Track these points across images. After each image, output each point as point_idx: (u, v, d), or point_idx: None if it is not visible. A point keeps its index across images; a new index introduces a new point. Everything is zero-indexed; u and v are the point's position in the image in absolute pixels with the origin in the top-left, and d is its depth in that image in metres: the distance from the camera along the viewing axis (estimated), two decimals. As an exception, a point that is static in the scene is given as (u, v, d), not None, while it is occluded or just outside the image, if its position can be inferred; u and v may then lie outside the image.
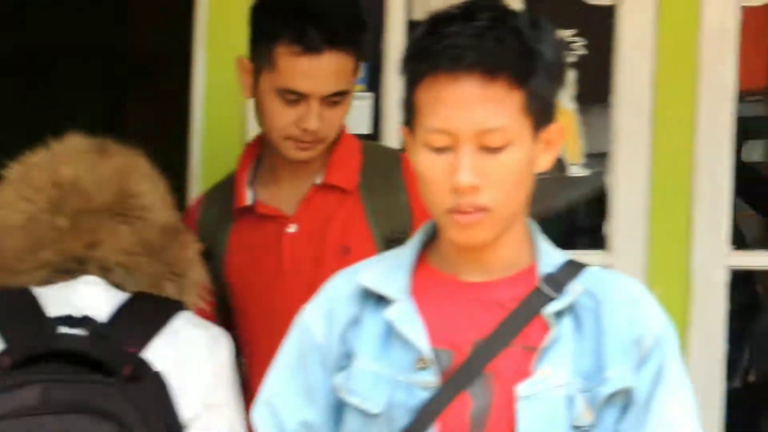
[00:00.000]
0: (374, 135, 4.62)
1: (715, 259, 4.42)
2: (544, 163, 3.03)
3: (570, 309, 3.02)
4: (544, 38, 2.99)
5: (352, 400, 3.05)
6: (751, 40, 4.67)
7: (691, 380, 3.14)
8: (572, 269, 3.07)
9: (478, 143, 2.92)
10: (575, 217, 5.51)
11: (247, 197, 4.13)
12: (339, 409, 3.09)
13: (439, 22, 3.05)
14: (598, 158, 4.66)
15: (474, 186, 2.89)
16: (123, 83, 8.39)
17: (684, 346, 3.44)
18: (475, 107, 2.91)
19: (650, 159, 4.48)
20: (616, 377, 2.99)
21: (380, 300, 3.05)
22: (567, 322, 3.02)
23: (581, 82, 4.84)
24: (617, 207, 4.53)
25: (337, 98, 3.93)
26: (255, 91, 4.00)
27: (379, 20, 4.52)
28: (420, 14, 4.58)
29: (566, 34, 4.75)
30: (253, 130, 4.23)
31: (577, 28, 4.78)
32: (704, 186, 4.43)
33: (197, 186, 4.47)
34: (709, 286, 4.41)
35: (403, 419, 2.99)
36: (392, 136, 4.43)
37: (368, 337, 3.06)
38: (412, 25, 4.53)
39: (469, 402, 2.99)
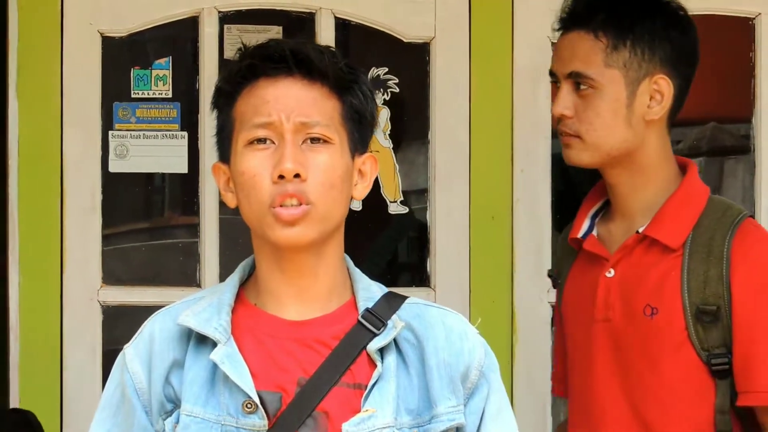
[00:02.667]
0: (191, 174, 4.56)
1: (538, 294, 4.41)
2: (359, 191, 3.04)
3: (393, 344, 3.01)
4: (362, 73, 3.03)
5: None
6: None
7: (517, 413, 3.10)
8: (392, 302, 3.07)
9: (300, 137, 2.93)
10: (396, 254, 5.56)
11: (583, 229, 3.99)
12: None
13: (254, 47, 3.05)
14: (417, 195, 4.66)
15: (299, 174, 2.90)
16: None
17: (508, 380, 3.42)
18: (297, 101, 2.94)
19: (469, 195, 4.46)
20: (446, 414, 2.99)
21: (202, 341, 3.00)
22: (391, 358, 3.01)
23: (397, 119, 4.84)
24: (438, 243, 4.50)
25: (582, 80, 3.78)
26: None
27: (195, 61, 4.52)
28: (231, 54, 4.53)
29: (381, 71, 4.72)
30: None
31: (392, 66, 4.73)
32: (524, 221, 4.43)
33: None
34: (532, 321, 4.39)
35: None
36: (208, 175, 4.31)
37: (193, 381, 3.02)
38: (225, 65, 4.51)
39: None
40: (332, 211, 3.00)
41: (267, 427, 2.94)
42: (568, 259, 4.00)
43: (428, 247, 4.55)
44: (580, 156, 3.75)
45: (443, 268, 4.49)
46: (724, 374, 3.79)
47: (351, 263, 3.12)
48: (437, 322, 3.05)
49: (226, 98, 2.99)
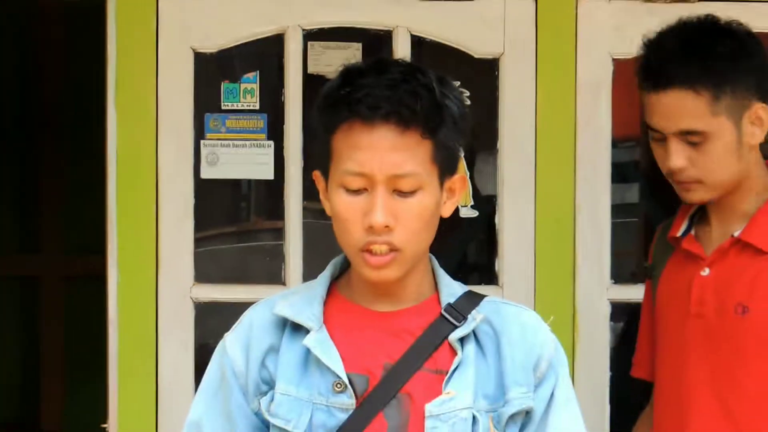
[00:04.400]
0: (276, 180, 4.59)
1: (598, 293, 4.45)
2: (448, 209, 3.11)
3: (472, 335, 3.10)
4: (450, 94, 3.07)
5: (276, 422, 3.08)
6: (624, 90, 4.68)
7: (580, 401, 3.24)
8: (472, 299, 3.15)
9: (392, 187, 2.99)
10: (467, 254, 5.62)
11: (682, 228, 4.03)
12: (262, 431, 3.15)
13: (352, 74, 3.11)
14: (486, 200, 4.68)
15: (388, 226, 2.96)
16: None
17: (570, 370, 3.54)
18: (389, 153, 2.98)
19: (534, 200, 4.48)
20: (517, 399, 3.09)
21: (296, 329, 3.09)
22: (470, 347, 3.09)
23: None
24: (506, 245, 4.52)
25: (693, 136, 3.74)
26: None
27: (280, 76, 4.53)
28: (315, 69, 4.61)
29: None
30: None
31: (464, 80, 4.69)
32: (585, 224, 4.45)
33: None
34: (592, 316, 4.45)
35: None
36: (293, 181, 4.41)
37: (287, 364, 3.10)
38: (309, 79, 4.59)
39: (384, 422, 3.06)
40: (419, 250, 3.10)
41: (355, 406, 3.02)
42: (664, 254, 4.03)
43: (496, 248, 4.55)
44: (702, 197, 3.82)
45: (510, 268, 4.49)
46: None
47: (436, 263, 3.20)
48: (514, 318, 3.15)
49: (325, 125, 3.05)
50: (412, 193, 3.02)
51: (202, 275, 4.49)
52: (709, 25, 3.90)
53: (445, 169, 3.08)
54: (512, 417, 3.10)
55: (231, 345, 3.16)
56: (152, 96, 4.44)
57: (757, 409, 3.84)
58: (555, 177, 4.46)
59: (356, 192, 2.99)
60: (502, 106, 4.44)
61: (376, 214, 2.99)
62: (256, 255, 6.56)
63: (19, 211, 8.12)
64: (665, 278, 3.98)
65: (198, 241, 4.53)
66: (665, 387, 3.96)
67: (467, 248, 5.74)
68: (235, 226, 7.28)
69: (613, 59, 4.42)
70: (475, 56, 4.48)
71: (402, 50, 4.43)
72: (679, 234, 3.90)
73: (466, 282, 3.40)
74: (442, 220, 3.53)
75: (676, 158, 3.72)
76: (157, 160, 4.40)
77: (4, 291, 8.15)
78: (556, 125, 4.46)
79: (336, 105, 3.03)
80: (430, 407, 3.05)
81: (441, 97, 3.05)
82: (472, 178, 4.64)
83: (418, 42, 4.53)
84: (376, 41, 4.60)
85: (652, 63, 3.81)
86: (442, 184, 3.08)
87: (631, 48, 4.52)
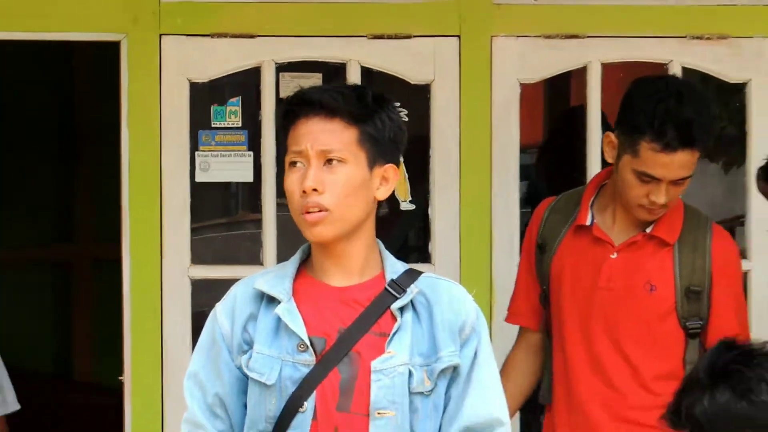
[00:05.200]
0: (255, 182, 4.57)
1: (510, 266, 4.34)
2: (382, 192, 3.06)
3: (410, 305, 3.04)
4: (384, 105, 3.06)
5: (253, 375, 3.05)
6: (529, 107, 4.67)
7: (496, 358, 3.16)
8: (411, 275, 3.10)
9: (322, 161, 2.98)
10: (407, 239, 5.56)
11: (588, 218, 3.93)
12: (243, 384, 3.09)
13: (295, 95, 3.13)
14: (422, 196, 4.60)
15: (316, 189, 2.94)
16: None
17: (490, 334, 3.48)
18: (319, 134, 3.00)
19: (459, 196, 4.42)
20: (447, 356, 3.04)
21: (270, 300, 3.05)
22: (408, 315, 3.04)
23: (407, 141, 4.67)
24: (437, 231, 4.45)
25: (681, 181, 3.72)
26: (616, 162, 3.77)
27: (258, 100, 4.45)
28: (284, 94, 4.49)
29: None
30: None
31: (403, 101, 4.57)
32: (499, 213, 4.38)
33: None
34: (507, 286, 4.29)
35: (290, 389, 3.01)
36: (268, 183, 4.35)
37: (263, 329, 3.06)
38: (280, 102, 4.46)
39: (338, 375, 3.03)
40: (348, 213, 3.05)
41: (315, 362, 2.99)
42: (559, 233, 3.95)
43: (429, 233, 4.47)
44: (659, 215, 3.73)
45: (440, 249, 4.42)
46: (694, 336, 3.78)
47: (382, 246, 3.13)
48: (444, 290, 3.10)
49: (283, 131, 3.07)
50: (336, 166, 2.99)
51: (198, 258, 4.43)
52: (692, 92, 3.80)
53: (375, 155, 3.05)
54: (442, 371, 3.06)
55: (220, 313, 3.12)
56: (156, 116, 4.37)
57: (650, 356, 3.78)
58: (475, 177, 4.39)
59: (295, 167, 2.99)
60: (433, 121, 4.39)
61: (307, 179, 2.97)
62: (240, 241, 6.52)
63: (55, 207, 8.06)
64: (565, 254, 3.91)
65: (194, 231, 4.46)
66: (572, 342, 3.86)
67: (407, 234, 5.64)
68: (224, 219, 7.19)
69: (520, 84, 4.34)
70: (412, 82, 4.44)
71: (354, 78, 4.37)
72: (588, 223, 3.83)
73: (407, 261, 3.36)
74: (389, 213, 3.49)
75: (665, 197, 3.64)
76: (160, 167, 4.33)
77: (42, 275, 8.10)
78: (475, 136, 4.39)
79: (286, 111, 3.05)
80: (374, 363, 3.02)
81: (371, 100, 3.04)
82: (410, 179, 4.55)
83: (367, 72, 4.47)
84: (334, 71, 4.55)
85: (666, 130, 3.62)
86: (372, 167, 3.04)
87: (534, 74, 4.51)
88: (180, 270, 4.31)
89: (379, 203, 3.12)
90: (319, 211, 2.97)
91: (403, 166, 4.47)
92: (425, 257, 4.49)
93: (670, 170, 3.62)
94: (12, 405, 4.49)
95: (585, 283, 3.78)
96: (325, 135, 3.01)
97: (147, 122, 4.31)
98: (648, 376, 3.77)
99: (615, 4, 4.40)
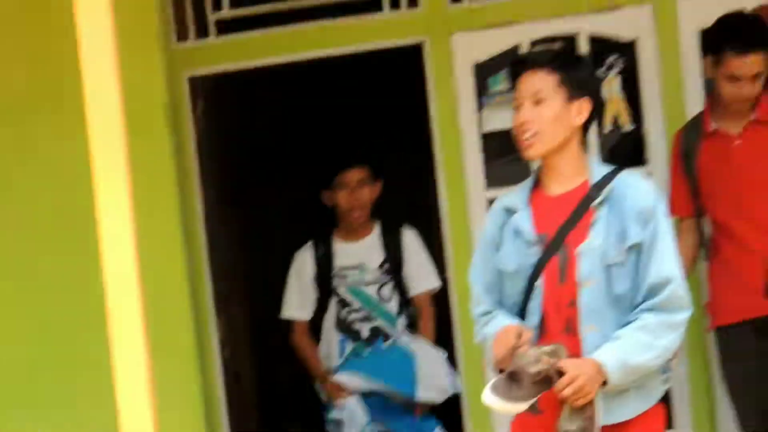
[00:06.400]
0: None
1: None
2: (578, 120, 3.40)
3: (606, 200, 3.38)
4: (580, 62, 3.59)
5: (500, 266, 3.48)
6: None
7: None
8: (610, 176, 3.42)
9: (532, 101, 3.38)
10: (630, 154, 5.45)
11: (712, 126, 4.63)
12: (499, 274, 3.50)
13: (520, 54, 3.84)
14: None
15: (525, 122, 3.37)
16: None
17: None
18: (530, 82, 3.39)
19: (662, 118, 5.13)
20: (632, 236, 3.36)
21: (512, 211, 3.49)
22: (604, 208, 3.37)
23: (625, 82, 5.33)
24: (650, 143, 5.14)
25: (758, 75, 4.44)
26: (714, 75, 4.51)
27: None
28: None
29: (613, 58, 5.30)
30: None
31: (619, 55, 5.32)
32: None
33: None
34: None
35: (527, 272, 3.41)
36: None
37: (507, 232, 3.47)
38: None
39: (556, 260, 3.39)
40: (553, 135, 3.36)
41: (540, 253, 3.38)
42: (697, 141, 4.68)
43: (644, 147, 5.13)
44: (744, 106, 4.49)
45: (653, 156, 5.14)
46: None
47: (589, 157, 3.46)
48: (632, 185, 3.41)
49: (514, 88, 3.45)
50: (543, 101, 3.36)
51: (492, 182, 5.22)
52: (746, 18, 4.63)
53: (570, 94, 3.36)
54: (631, 247, 3.36)
55: (488, 222, 3.54)
56: (455, 92, 5.21)
57: None
58: (672, 107, 5.09)
59: (517, 110, 3.36)
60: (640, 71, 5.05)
61: (520, 116, 3.36)
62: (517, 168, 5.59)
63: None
64: (705, 154, 4.61)
65: (486, 163, 5.18)
66: (723, 220, 4.57)
67: (629, 150, 5.56)
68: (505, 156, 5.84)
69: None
70: (621, 42, 5.12)
71: (582, 43, 5.11)
72: (712, 129, 4.63)
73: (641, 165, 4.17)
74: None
75: (755, 89, 4.43)
76: (460, 124, 5.18)
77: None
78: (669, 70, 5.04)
79: (512, 72, 3.54)
80: (578, 248, 3.37)
81: (567, 55, 3.60)
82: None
83: (591, 38, 5.16)
84: (570, 40, 5.20)
85: (740, 36, 4.41)
86: (569, 102, 3.36)
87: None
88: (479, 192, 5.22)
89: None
90: (531, 136, 3.35)
91: (620, 100, 5.28)
92: (642, 162, 5.19)
93: (747, 69, 4.42)
94: None
95: (724, 170, 4.55)
96: (534, 82, 3.38)
97: (449, 98, 5.25)
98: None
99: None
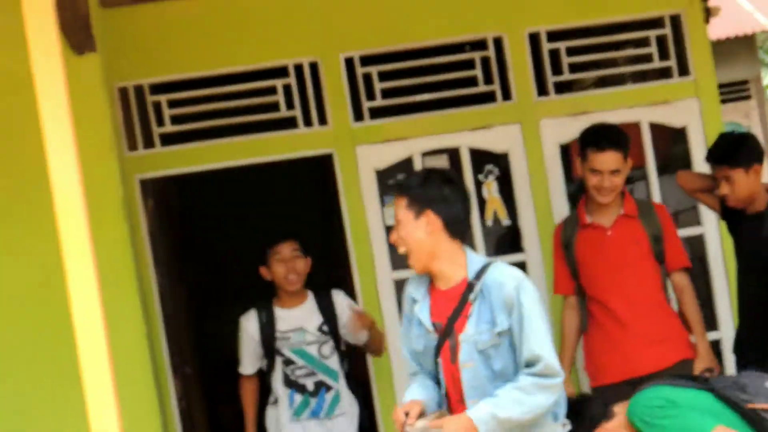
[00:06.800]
0: None
1: None
2: (429, 230, 3.68)
3: (477, 295, 3.66)
4: (419, 177, 3.79)
5: (412, 346, 3.84)
6: None
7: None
8: (482, 270, 3.68)
9: (395, 225, 3.66)
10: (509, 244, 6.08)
11: (587, 219, 5.11)
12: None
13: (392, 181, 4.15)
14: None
15: (395, 243, 3.68)
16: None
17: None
18: (394, 209, 3.67)
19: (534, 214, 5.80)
20: (500, 323, 3.66)
21: (416, 301, 3.81)
22: (477, 302, 3.66)
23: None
24: (525, 235, 5.76)
25: (617, 171, 4.91)
26: (583, 172, 5.02)
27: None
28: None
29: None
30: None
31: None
32: None
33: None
34: None
35: (431, 352, 3.72)
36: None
37: (414, 319, 3.78)
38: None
39: (448, 344, 3.69)
40: (418, 249, 3.63)
41: (437, 338, 3.69)
42: (573, 234, 5.18)
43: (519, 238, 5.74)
44: (608, 196, 4.94)
45: (528, 245, 5.76)
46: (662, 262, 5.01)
47: (467, 254, 3.69)
48: (496, 277, 3.66)
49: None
50: (398, 225, 3.65)
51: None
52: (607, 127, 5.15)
53: (417, 211, 3.64)
54: (500, 333, 3.66)
55: (405, 304, 3.81)
56: (360, 195, 5.76)
57: (646, 288, 5.02)
58: None
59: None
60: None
61: (390, 237, 3.71)
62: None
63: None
64: (580, 246, 5.13)
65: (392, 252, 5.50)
66: (601, 311, 5.04)
67: (507, 242, 6.20)
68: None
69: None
70: (495, 153, 5.76)
71: (464, 154, 5.78)
72: (588, 222, 5.17)
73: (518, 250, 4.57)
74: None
75: (614, 182, 4.94)
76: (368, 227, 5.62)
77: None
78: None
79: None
80: (460, 336, 3.66)
81: (410, 180, 3.68)
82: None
83: (472, 150, 5.74)
84: (455, 152, 5.81)
85: (598, 137, 4.97)
86: (417, 218, 3.65)
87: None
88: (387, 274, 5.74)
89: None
90: (406, 254, 3.63)
91: (498, 200, 5.82)
92: (520, 249, 5.87)
93: (606, 165, 4.94)
94: None
95: (599, 261, 5.04)
96: (395, 208, 3.67)
97: (357, 197, 5.84)
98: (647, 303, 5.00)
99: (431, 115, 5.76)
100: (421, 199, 3.64)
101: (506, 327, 3.54)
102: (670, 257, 5.18)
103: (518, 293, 3.54)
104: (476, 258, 3.67)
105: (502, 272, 3.60)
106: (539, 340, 3.52)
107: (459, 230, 3.73)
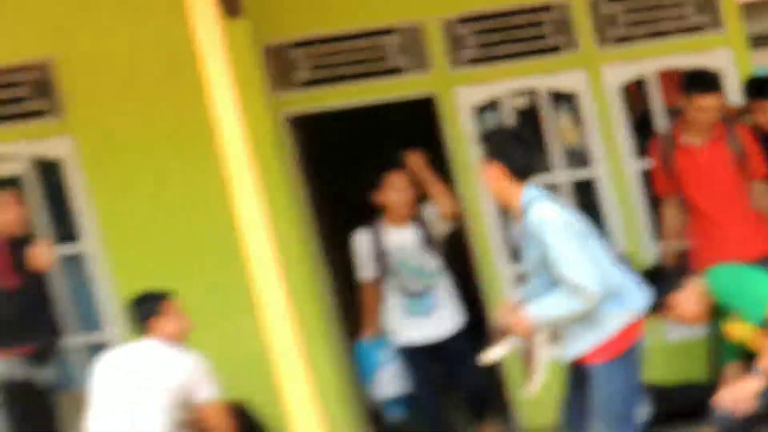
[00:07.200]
0: None
1: None
2: (498, 179, 4.30)
3: (525, 226, 4.45)
4: (489, 131, 4.53)
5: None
6: None
7: None
8: (525, 209, 4.41)
9: None
10: None
11: (683, 140, 5.90)
12: None
13: None
14: None
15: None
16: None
17: None
18: None
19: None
20: (533, 248, 4.45)
21: None
22: (528, 232, 4.43)
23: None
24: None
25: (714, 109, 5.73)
26: (685, 107, 5.88)
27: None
28: None
29: None
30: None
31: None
32: None
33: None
34: None
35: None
36: None
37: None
38: None
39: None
40: (494, 195, 4.32)
41: None
42: (670, 147, 5.98)
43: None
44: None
45: None
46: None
47: (525, 191, 4.27)
48: (528, 215, 4.38)
49: None
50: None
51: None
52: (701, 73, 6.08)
53: (487, 163, 4.24)
54: (539, 256, 4.44)
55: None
56: (463, 129, 6.79)
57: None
58: None
59: None
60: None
61: None
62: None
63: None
64: (678, 158, 5.90)
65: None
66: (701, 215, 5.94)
67: None
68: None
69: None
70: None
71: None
72: (683, 143, 5.95)
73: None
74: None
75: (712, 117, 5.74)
76: None
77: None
78: None
79: None
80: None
81: (484, 134, 4.29)
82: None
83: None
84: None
85: (702, 82, 5.81)
86: (488, 168, 4.23)
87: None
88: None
89: None
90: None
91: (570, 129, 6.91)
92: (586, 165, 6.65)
93: (709, 103, 5.78)
94: None
95: (691, 170, 5.85)
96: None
97: (457, 131, 6.75)
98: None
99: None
100: (488, 152, 4.49)
101: (538, 252, 4.44)
102: (753, 168, 6.15)
103: (540, 226, 4.34)
104: (526, 198, 4.42)
105: (535, 207, 4.39)
106: (564, 263, 4.33)
107: (523, 175, 4.52)
